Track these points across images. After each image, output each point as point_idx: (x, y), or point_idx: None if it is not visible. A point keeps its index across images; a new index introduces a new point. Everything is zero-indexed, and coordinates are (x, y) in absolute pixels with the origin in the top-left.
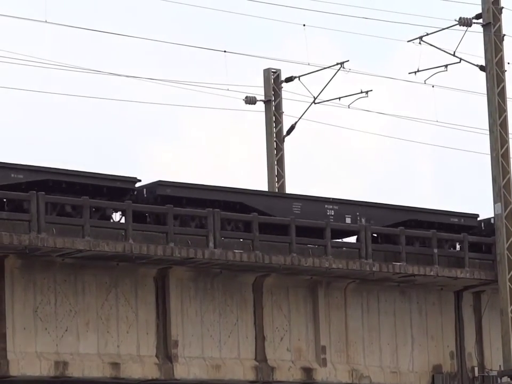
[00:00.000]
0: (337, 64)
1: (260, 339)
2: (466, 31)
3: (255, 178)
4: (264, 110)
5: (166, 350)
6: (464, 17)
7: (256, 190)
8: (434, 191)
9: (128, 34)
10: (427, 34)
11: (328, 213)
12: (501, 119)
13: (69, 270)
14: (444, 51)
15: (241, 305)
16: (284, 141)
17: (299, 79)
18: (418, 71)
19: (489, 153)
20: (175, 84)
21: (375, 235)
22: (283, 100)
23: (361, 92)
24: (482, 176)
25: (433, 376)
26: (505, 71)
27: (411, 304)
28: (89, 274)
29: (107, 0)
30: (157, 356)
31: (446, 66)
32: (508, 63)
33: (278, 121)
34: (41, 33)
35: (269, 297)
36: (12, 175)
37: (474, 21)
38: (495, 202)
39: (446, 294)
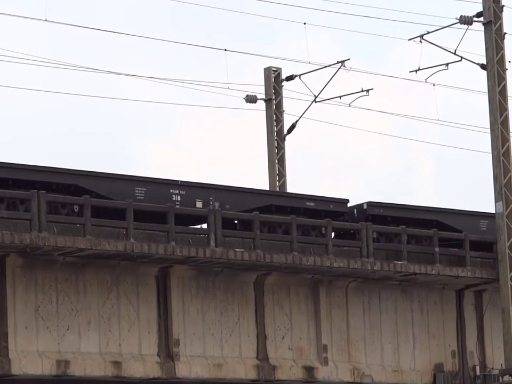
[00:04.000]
0: (338, 62)
1: (261, 338)
2: (467, 29)
3: (255, 177)
4: (265, 108)
5: (167, 348)
6: (465, 16)
7: (93, 172)
8: (435, 189)
9: (128, 33)
10: (428, 32)
11: (174, 198)
12: (502, 118)
13: (70, 269)
14: (445, 49)
15: (243, 304)
16: (284, 139)
17: (300, 78)
18: (419, 69)
19: (490, 151)
20: (176, 82)
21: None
22: (284, 98)
23: (362, 91)
24: (483, 175)
25: (434, 375)
26: (506, 69)
27: (412, 303)
28: (91, 273)
29: None
30: (158, 355)
31: (447, 64)
32: (509, 62)
33: (279, 120)
34: (41, 32)
35: (270, 296)
36: None
37: (475, 19)
38: (496, 201)
39: (448, 292)
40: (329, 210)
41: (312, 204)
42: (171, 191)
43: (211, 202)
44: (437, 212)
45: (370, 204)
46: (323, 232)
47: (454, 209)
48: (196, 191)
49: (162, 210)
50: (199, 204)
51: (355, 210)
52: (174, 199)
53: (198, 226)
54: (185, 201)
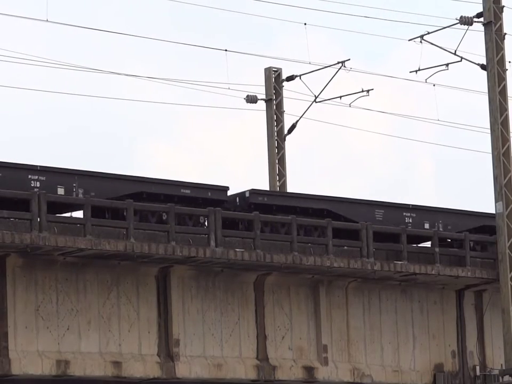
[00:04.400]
0: (338, 63)
1: (261, 338)
2: (467, 30)
3: (256, 178)
4: (265, 108)
5: (167, 348)
6: (465, 16)
7: None
8: (435, 190)
9: (128, 33)
10: (428, 33)
11: (32, 185)
12: (502, 118)
13: (71, 269)
14: (445, 50)
15: (243, 304)
16: (285, 139)
17: (300, 78)
18: (419, 69)
19: (491, 152)
20: (176, 82)
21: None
22: (284, 98)
23: (362, 91)
24: (483, 175)
25: (434, 375)
26: (506, 69)
27: (412, 303)
28: (91, 273)
29: None
30: (158, 355)
31: (447, 65)
32: (509, 62)
33: (279, 120)
34: (41, 32)
35: (270, 296)
36: None
37: (475, 19)
38: (496, 201)
39: (448, 292)
40: (208, 198)
41: (188, 191)
42: (29, 176)
43: (74, 189)
44: (327, 201)
45: (253, 191)
46: (201, 221)
47: (345, 198)
48: (58, 177)
49: (163, 210)
50: (60, 191)
51: (237, 198)
52: (32, 185)
53: (68, 214)
54: (46, 187)
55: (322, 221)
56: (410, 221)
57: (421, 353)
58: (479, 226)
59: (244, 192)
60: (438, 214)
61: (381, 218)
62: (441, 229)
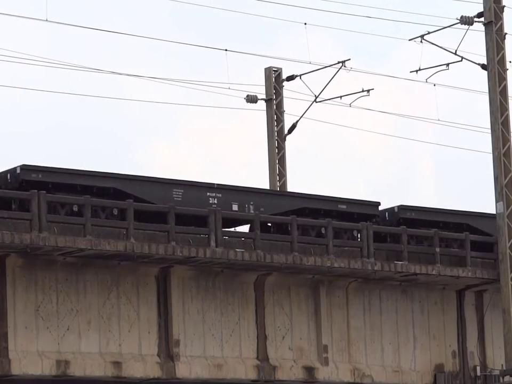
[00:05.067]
0: (339, 62)
1: (261, 338)
2: (468, 29)
3: (256, 178)
4: (265, 108)
5: (167, 349)
6: (465, 16)
7: None
8: (435, 190)
9: (129, 33)
10: (428, 32)
11: None
12: (502, 118)
13: (71, 269)
14: (446, 50)
15: (243, 304)
16: (285, 139)
17: (300, 78)
18: (419, 69)
19: (491, 152)
20: (176, 82)
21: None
22: (284, 98)
23: (363, 91)
24: (483, 175)
25: (435, 375)
26: (507, 69)
27: (413, 303)
28: (91, 273)
29: None
30: (158, 355)
31: (447, 65)
32: (510, 62)
33: (279, 120)
34: (41, 32)
35: (270, 296)
36: None
37: (476, 19)
38: (497, 201)
39: (448, 293)
40: (38, 180)
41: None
42: None
43: None
44: (114, 178)
45: (24, 167)
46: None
47: (136, 176)
48: None
49: (163, 210)
50: None
51: (8, 175)
52: None
53: None
54: None
55: (323, 221)
56: (216, 201)
57: (421, 354)
58: (297, 209)
59: (15, 168)
60: (249, 194)
61: (180, 199)
62: (252, 211)
